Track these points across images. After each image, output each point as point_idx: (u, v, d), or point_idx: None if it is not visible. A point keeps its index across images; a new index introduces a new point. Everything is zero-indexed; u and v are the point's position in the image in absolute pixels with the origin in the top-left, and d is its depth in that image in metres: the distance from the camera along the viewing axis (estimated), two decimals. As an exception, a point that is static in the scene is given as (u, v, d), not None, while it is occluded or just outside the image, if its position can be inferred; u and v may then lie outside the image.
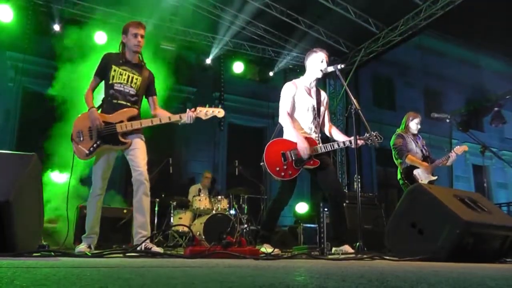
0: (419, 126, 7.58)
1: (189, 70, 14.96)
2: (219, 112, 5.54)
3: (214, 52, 14.32)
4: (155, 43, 12.90)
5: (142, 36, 5.44)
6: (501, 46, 20.45)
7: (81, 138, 5.22)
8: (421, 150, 7.51)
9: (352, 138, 5.75)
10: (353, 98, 5.74)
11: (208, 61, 14.53)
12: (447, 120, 7.48)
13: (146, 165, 5.26)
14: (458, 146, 7.46)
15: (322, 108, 6.08)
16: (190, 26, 13.62)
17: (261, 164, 5.77)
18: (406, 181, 7.37)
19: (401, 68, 20.92)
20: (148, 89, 5.58)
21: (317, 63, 5.98)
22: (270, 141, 5.87)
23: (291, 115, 5.90)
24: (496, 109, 16.42)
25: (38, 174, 4.19)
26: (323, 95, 6.18)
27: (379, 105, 19.83)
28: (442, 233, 4.49)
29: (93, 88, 5.48)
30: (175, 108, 13.19)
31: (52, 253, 3.97)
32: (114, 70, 5.38)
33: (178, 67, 13.90)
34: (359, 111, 5.62)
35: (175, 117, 5.34)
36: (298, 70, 14.99)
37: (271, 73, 15.56)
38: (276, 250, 5.53)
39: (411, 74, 21.29)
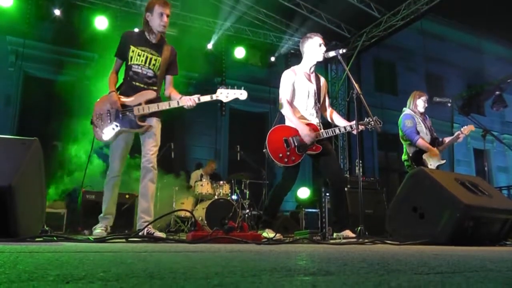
0: (426, 105, 7.46)
1: (191, 55, 14.90)
2: (242, 94, 5.42)
3: (215, 37, 14.28)
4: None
5: (168, 16, 5.31)
6: (502, 30, 20.36)
7: (100, 121, 5.24)
8: (429, 132, 7.41)
9: (352, 122, 5.74)
10: (354, 83, 5.74)
11: (210, 46, 14.48)
12: (449, 104, 7.43)
13: (157, 151, 5.32)
14: (465, 126, 7.40)
15: (322, 93, 6.07)
16: (191, 11, 13.58)
17: (264, 151, 5.77)
18: (414, 164, 7.26)
19: (402, 53, 20.86)
20: (169, 67, 5.48)
21: (315, 47, 5.96)
22: (272, 128, 5.87)
23: (291, 102, 5.90)
24: (497, 93, 16.37)
25: (40, 159, 4.19)
26: (322, 80, 6.17)
27: (380, 90, 19.77)
28: (443, 217, 4.50)
29: (117, 70, 5.42)
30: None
31: (55, 238, 3.98)
32: (133, 51, 5.29)
33: (179, 52, 13.87)
34: (361, 95, 5.62)
35: (182, 101, 5.23)
36: (299, 55, 14.95)
37: (272, 58, 15.53)
38: (277, 235, 5.55)
39: (413, 58, 21.23)
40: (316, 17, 13.42)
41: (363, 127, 5.73)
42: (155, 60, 5.33)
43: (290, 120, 5.81)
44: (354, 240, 5.01)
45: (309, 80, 5.97)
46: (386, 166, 19.80)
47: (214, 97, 5.30)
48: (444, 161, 7.22)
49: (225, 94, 5.34)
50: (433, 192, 4.73)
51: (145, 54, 5.30)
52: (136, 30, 5.66)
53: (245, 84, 16.47)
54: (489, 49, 23.57)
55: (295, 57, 15.22)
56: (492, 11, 17.60)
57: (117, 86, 5.34)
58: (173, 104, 5.24)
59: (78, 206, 9.29)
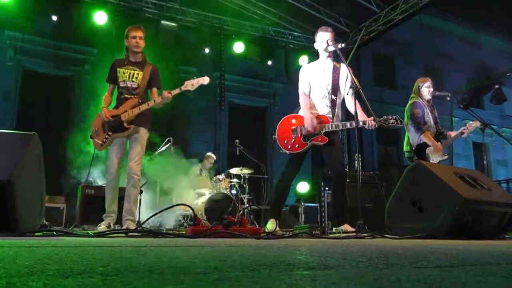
0: (431, 89, 7.26)
1: (189, 50, 14.89)
2: (204, 80, 6.08)
3: (215, 32, 14.24)
4: (156, 23, 12.88)
5: (140, 38, 6.13)
6: (501, 24, 20.36)
7: (97, 133, 6.06)
8: (435, 124, 7.25)
9: (366, 119, 5.71)
10: (354, 77, 5.74)
11: (209, 41, 14.43)
12: (448, 98, 7.37)
13: (140, 159, 6.04)
14: (471, 122, 7.29)
15: (341, 85, 6.03)
16: (190, 6, 13.55)
17: (273, 137, 6.03)
18: (415, 157, 7.11)
19: (402, 47, 20.85)
20: (150, 81, 6.18)
21: (319, 43, 6.03)
22: (285, 116, 6.13)
23: (308, 95, 6.05)
24: (496, 86, 16.36)
25: (39, 153, 4.20)
26: (343, 71, 6.08)
27: (380, 84, 19.77)
28: (442, 211, 4.51)
29: (110, 92, 6.25)
30: (176, 88, 13.19)
31: (54, 233, 3.99)
32: (119, 72, 6.12)
33: (178, 47, 13.85)
34: (360, 90, 5.62)
35: (158, 99, 5.95)
36: (299, 49, 14.93)
37: (271, 53, 15.48)
38: (277, 229, 5.59)
39: (412, 52, 21.23)
40: (315, 11, 13.38)
41: (376, 123, 5.65)
42: (137, 74, 6.13)
43: (302, 110, 5.98)
44: (354, 234, 5.02)
45: (323, 72, 5.99)
46: (385, 160, 19.82)
47: (183, 88, 6.04)
48: (446, 157, 7.08)
49: (190, 84, 6.04)
50: (432, 186, 4.74)
51: (128, 71, 6.13)
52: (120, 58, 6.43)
53: (244, 79, 16.56)
54: (488, 43, 23.59)
55: (294, 51, 15.20)
56: (491, 6, 17.59)
57: (112, 105, 6.18)
58: (151, 104, 5.95)
59: (78, 201, 9.30)
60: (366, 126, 5.67)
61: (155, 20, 12.89)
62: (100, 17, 12.24)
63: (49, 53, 13.52)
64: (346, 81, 6.09)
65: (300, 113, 6.01)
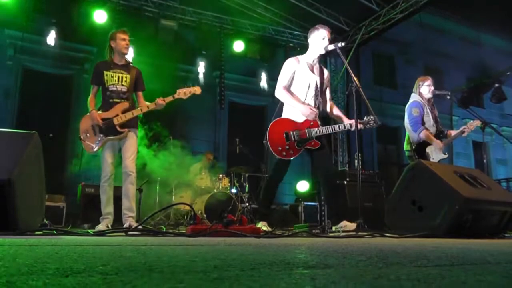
0: (432, 88, 7.23)
1: (189, 48, 14.87)
2: (196, 90, 6.43)
3: (215, 30, 14.23)
4: (156, 22, 12.87)
5: (128, 41, 6.36)
6: (501, 23, 20.34)
7: (87, 135, 6.11)
8: (435, 123, 7.23)
9: (352, 121, 5.78)
10: (353, 76, 5.75)
11: (208, 40, 14.43)
12: (448, 97, 7.36)
13: (134, 157, 6.18)
14: (472, 121, 7.28)
15: (324, 87, 6.08)
16: (190, 4, 13.54)
17: (264, 142, 5.87)
18: (415, 155, 7.10)
19: (402, 46, 20.81)
20: (135, 84, 6.35)
21: (319, 40, 5.98)
22: (274, 120, 5.94)
23: (289, 90, 5.95)
24: (496, 85, 16.36)
25: (39, 152, 4.20)
26: (326, 73, 6.17)
27: (379, 83, 19.74)
28: (442, 210, 4.51)
29: (95, 94, 6.31)
30: (176, 87, 13.19)
31: (54, 231, 3.99)
32: (106, 75, 6.22)
33: (177, 45, 13.83)
34: (360, 89, 5.63)
35: (151, 105, 6.19)
36: (298, 48, 14.91)
37: (271, 52, 15.46)
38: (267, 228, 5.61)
39: (412, 51, 21.19)
40: (315, 10, 13.37)
41: (362, 126, 5.74)
42: (126, 77, 6.28)
43: (289, 104, 5.89)
44: (353, 233, 5.02)
45: (312, 71, 5.98)
46: (385, 159, 19.80)
47: (176, 96, 6.31)
48: (446, 155, 7.06)
49: (183, 92, 6.35)
50: (432, 185, 4.74)
51: (117, 74, 6.25)
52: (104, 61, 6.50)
53: (244, 78, 16.54)
54: (488, 42, 23.56)
55: (294, 50, 15.18)
56: (491, 5, 17.58)
57: (97, 107, 6.23)
58: (144, 110, 6.22)
59: (78, 200, 9.31)
60: (352, 129, 5.74)
61: (155, 19, 12.89)
62: (100, 16, 12.23)
63: (49, 52, 13.50)
64: (328, 86, 6.20)
65: (285, 115, 5.96)
